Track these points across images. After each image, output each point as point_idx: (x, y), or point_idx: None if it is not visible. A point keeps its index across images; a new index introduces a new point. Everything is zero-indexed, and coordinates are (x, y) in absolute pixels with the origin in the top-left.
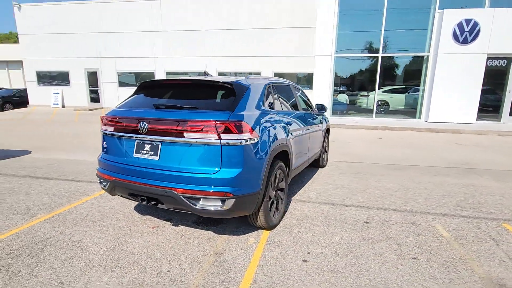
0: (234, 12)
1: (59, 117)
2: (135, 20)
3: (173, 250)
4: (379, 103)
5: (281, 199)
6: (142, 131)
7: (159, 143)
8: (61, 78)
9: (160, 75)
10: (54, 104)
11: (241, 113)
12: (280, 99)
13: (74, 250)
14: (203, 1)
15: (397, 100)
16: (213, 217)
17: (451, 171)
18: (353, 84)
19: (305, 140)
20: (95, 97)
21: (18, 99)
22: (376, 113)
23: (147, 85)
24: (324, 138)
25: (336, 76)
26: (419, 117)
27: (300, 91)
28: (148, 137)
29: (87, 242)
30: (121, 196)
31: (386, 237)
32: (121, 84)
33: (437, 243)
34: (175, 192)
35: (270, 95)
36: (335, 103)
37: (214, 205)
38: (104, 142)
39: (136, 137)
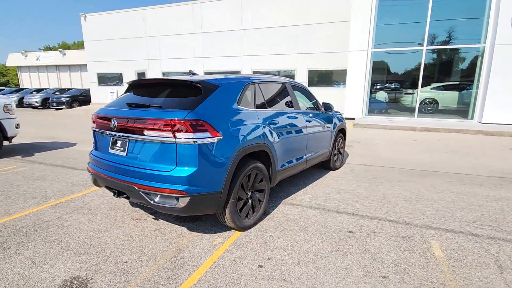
0: (269, 10)
1: None
2: (178, 23)
3: (141, 243)
4: (427, 101)
5: (260, 200)
6: (113, 129)
7: (127, 140)
8: (116, 79)
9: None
10: (110, 102)
11: (202, 112)
12: (265, 97)
13: (59, 234)
14: (240, 1)
15: (448, 98)
16: (172, 213)
17: (488, 180)
18: (395, 81)
19: (300, 141)
20: None
21: (84, 98)
22: (421, 112)
23: (134, 85)
24: (337, 139)
25: (374, 73)
26: (472, 118)
27: (301, 89)
28: (118, 134)
29: (74, 228)
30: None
31: (363, 250)
32: None
33: (422, 262)
34: (135, 187)
35: (250, 93)
36: (373, 101)
37: (169, 202)
38: (93, 138)
39: (109, 133)
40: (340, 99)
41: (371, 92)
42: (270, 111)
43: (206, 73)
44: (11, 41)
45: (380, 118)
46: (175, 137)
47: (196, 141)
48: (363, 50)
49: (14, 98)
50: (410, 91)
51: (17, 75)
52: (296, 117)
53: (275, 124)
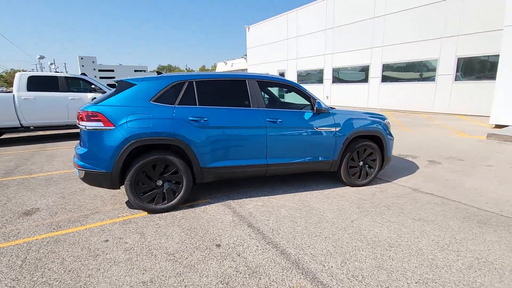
0: None
1: None
2: (309, 21)
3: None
4: None
5: (174, 191)
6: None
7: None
8: None
9: (327, 72)
10: None
11: (102, 106)
12: (200, 95)
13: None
14: None
15: None
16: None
17: None
18: None
19: (251, 141)
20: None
21: None
22: None
23: (111, 85)
24: (355, 147)
25: None
26: None
27: (287, 86)
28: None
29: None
30: None
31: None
32: (299, 82)
33: None
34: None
35: (176, 91)
36: None
37: (78, 173)
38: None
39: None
40: None
41: None
42: (197, 108)
43: (334, 70)
44: (217, 52)
45: None
46: (79, 124)
47: (87, 128)
48: None
49: None
50: None
51: None
52: (245, 116)
53: (202, 121)
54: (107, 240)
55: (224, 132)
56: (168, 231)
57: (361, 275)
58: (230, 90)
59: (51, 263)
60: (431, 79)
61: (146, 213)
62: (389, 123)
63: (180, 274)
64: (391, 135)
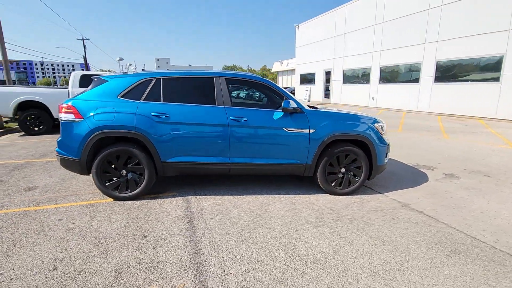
0: None
1: None
2: (358, 17)
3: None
4: None
5: (136, 181)
6: None
7: None
8: (310, 78)
9: (374, 71)
10: (304, 98)
11: (76, 100)
12: (165, 92)
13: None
14: None
15: None
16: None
17: None
18: None
19: (212, 138)
20: (327, 94)
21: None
22: None
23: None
24: (325, 150)
25: None
26: None
27: (255, 84)
28: None
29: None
30: None
31: None
32: (345, 81)
33: None
34: None
35: (143, 88)
36: None
37: (57, 158)
38: None
39: None
40: None
41: None
42: (160, 104)
43: (382, 69)
44: (279, 51)
45: None
46: (58, 115)
47: (61, 119)
48: None
49: None
50: None
51: (276, 78)
52: (208, 113)
53: (164, 116)
54: (61, 219)
55: (185, 129)
56: (114, 218)
57: (253, 287)
58: (198, 88)
59: (5, 232)
60: (495, 79)
61: (112, 199)
62: (382, 127)
63: (89, 257)
64: (384, 141)
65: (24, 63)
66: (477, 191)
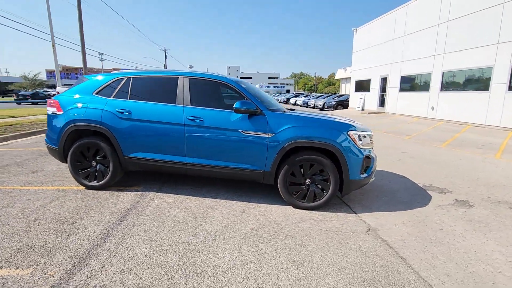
0: None
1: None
2: (420, 17)
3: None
4: None
5: (102, 172)
6: None
7: None
8: (365, 85)
9: (436, 77)
10: (357, 107)
11: (60, 95)
12: (132, 90)
13: None
14: None
15: None
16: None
17: None
18: None
19: (169, 137)
20: (382, 102)
21: (347, 103)
22: None
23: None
24: (286, 157)
25: None
26: None
27: (217, 85)
28: None
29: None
30: None
31: None
32: (402, 89)
33: None
34: None
35: (115, 86)
36: None
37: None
38: None
39: None
40: None
41: None
42: (125, 101)
43: (445, 74)
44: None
45: None
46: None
47: (48, 112)
48: None
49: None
50: None
51: (339, 85)
52: (166, 112)
53: (126, 113)
54: (29, 199)
55: (144, 125)
56: (68, 203)
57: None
58: (163, 87)
59: None
60: None
61: (84, 188)
62: (359, 136)
63: (12, 234)
64: (360, 152)
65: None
66: (482, 225)
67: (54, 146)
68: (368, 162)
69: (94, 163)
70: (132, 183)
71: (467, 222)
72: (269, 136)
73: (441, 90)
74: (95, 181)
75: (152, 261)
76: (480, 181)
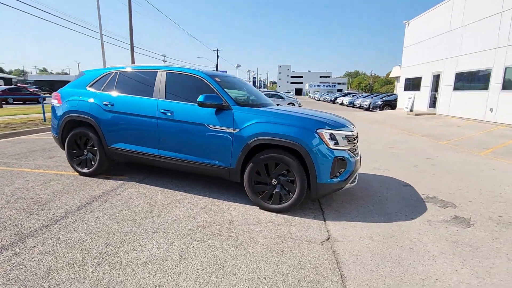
0: None
1: (387, 117)
2: (480, 4)
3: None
4: None
5: (91, 161)
6: None
7: None
8: (416, 83)
9: (497, 74)
10: (405, 108)
11: (63, 89)
12: (118, 84)
13: None
14: None
15: None
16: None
17: None
18: None
19: (144, 129)
20: (433, 103)
21: (396, 103)
22: None
23: None
24: (250, 155)
25: None
26: None
27: (195, 79)
28: None
29: None
30: None
31: None
32: (456, 87)
33: None
34: None
35: (104, 80)
36: None
37: None
38: None
39: None
40: None
41: None
42: (109, 94)
43: (508, 69)
44: (394, 57)
45: None
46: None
47: (52, 104)
48: None
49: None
50: None
51: (394, 84)
52: (142, 105)
53: (109, 105)
54: (27, 180)
55: (124, 117)
56: (53, 187)
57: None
58: (144, 81)
59: None
60: None
61: (77, 173)
62: (331, 135)
63: None
64: (330, 152)
65: None
66: (468, 250)
67: (56, 135)
68: (342, 164)
69: (86, 152)
70: (120, 173)
71: (451, 244)
72: (234, 131)
73: (502, 89)
74: (86, 168)
75: (79, 246)
76: (501, 197)
